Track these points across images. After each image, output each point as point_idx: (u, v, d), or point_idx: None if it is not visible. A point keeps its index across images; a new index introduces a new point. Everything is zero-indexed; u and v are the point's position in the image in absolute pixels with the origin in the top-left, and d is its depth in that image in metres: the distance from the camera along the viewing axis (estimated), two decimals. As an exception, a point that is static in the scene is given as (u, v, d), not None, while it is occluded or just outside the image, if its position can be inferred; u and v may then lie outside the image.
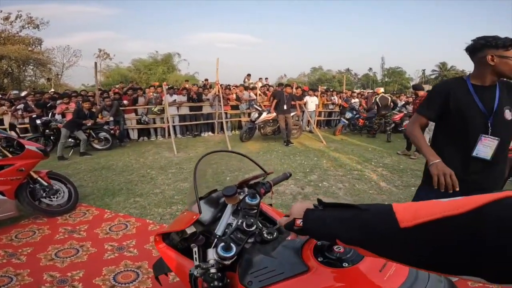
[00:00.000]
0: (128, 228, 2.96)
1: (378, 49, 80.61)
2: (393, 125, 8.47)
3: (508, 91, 1.55)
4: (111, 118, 7.10)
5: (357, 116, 8.97)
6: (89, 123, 6.28)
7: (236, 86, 9.75)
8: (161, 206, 3.47)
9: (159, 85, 9.54)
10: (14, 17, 23.47)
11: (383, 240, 0.49)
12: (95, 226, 3.01)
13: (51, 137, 6.45)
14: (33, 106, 7.23)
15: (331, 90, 12.40)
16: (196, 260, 0.92)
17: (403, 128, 8.23)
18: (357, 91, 15.84)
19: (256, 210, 1.05)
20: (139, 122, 7.93)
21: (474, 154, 1.53)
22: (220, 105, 7.59)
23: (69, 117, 6.70)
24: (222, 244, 0.87)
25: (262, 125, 7.63)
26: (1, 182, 2.84)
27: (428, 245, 0.43)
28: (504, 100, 1.51)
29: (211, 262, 0.84)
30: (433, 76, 41.74)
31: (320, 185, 4.21)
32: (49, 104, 7.42)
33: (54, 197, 3.28)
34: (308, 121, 9.44)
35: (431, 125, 1.85)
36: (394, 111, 8.92)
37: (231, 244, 0.87)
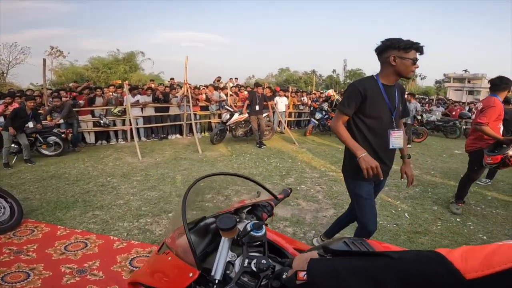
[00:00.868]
0: (89, 247, 2.57)
1: (341, 51, 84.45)
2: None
3: (401, 92, 1.88)
4: (62, 121, 6.35)
5: (326, 116, 9.11)
6: (32, 125, 5.47)
7: (206, 86, 9.36)
8: (126, 219, 3.08)
9: (120, 85, 8.84)
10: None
11: None
12: (46, 245, 2.59)
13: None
14: (-32, 106, 6.23)
15: (301, 91, 12.52)
16: None
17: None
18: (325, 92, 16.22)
19: (262, 242, 0.83)
20: (96, 124, 7.21)
21: (390, 146, 1.81)
22: (189, 106, 7.19)
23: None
24: None
25: (233, 127, 7.40)
26: None
27: None
28: (399, 99, 1.82)
29: None
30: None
31: (298, 188, 4.08)
32: (-12, 105, 6.45)
33: (-8, 215, 2.75)
34: (280, 121, 9.39)
35: None
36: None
37: None
